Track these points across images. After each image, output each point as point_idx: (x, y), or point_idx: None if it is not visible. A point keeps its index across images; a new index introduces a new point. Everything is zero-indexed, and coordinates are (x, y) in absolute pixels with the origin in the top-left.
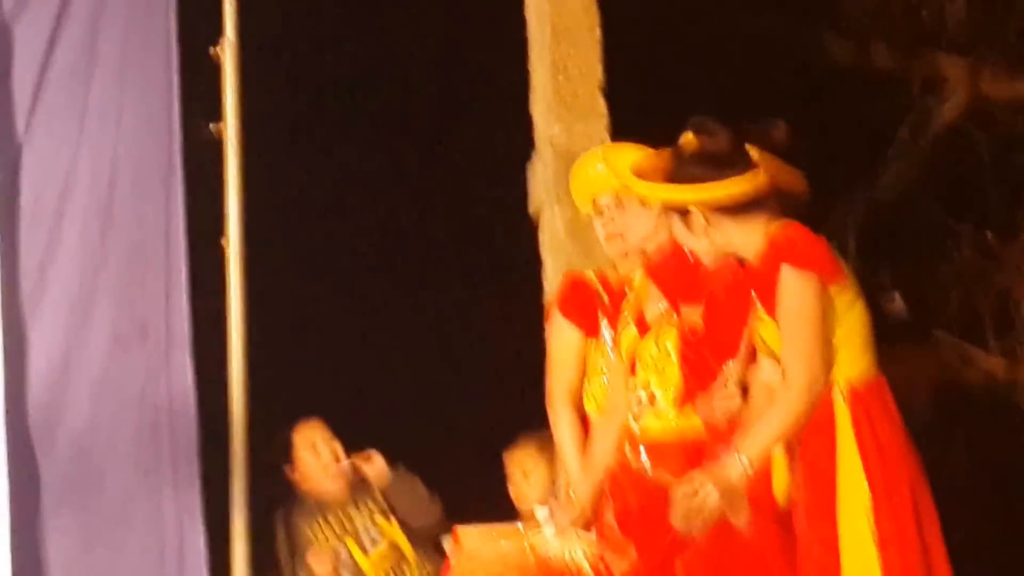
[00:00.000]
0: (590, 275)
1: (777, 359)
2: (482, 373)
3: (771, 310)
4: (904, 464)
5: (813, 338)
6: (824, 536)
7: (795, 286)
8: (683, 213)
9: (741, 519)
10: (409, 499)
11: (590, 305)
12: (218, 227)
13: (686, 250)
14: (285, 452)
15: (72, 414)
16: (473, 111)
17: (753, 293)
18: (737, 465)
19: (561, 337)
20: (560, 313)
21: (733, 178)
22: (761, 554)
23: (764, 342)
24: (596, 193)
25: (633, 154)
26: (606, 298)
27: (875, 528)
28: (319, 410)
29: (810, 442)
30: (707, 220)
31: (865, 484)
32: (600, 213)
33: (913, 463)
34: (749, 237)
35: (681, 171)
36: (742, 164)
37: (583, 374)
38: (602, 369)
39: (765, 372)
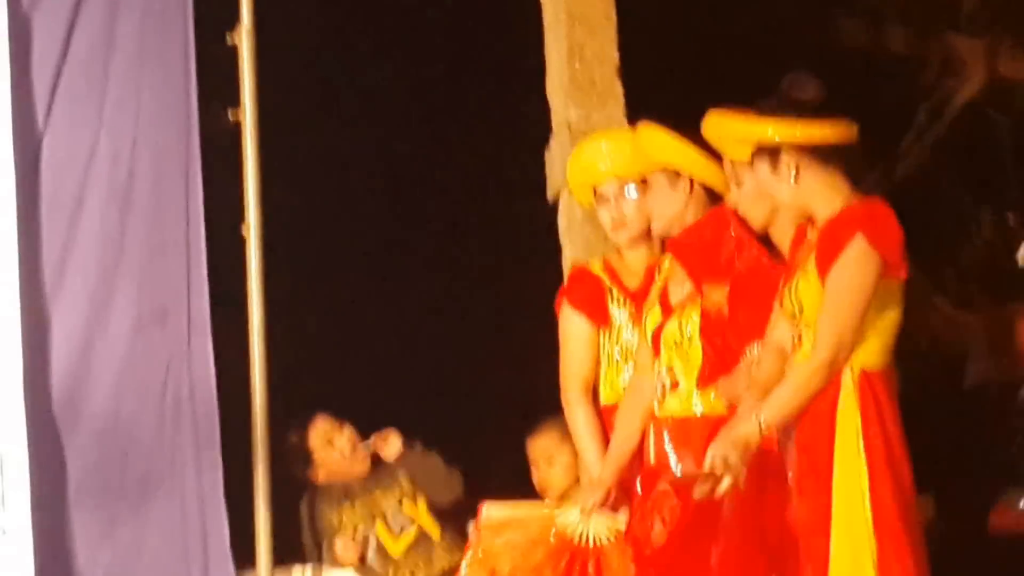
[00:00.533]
0: (595, 265)
1: (796, 322)
2: (502, 358)
3: (824, 270)
4: (904, 453)
5: (854, 314)
6: (815, 511)
7: (859, 258)
8: (773, 157)
9: (739, 478)
10: (428, 474)
11: (598, 295)
12: (237, 213)
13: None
14: (303, 457)
15: (94, 400)
16: (490, 97)
17: (812, 242)
18: (755, 427)
19: (571, 329)
20: (569, 305)
21: (827, 123)
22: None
23: (793, 300)
24: (598, 182)
25: (662, 131)
26: (614, 288)
27: (871, 511)
28: (339, 393)
29: (808, 418)
30: (797, 165)
31: (864, 466)
32: (604, 201)
33: (907, 456)
34: (828, 194)
35: (774, 115)
36: (833, 114)
37: (596, 364)
38: (615, 358)
39: (779, 331)
